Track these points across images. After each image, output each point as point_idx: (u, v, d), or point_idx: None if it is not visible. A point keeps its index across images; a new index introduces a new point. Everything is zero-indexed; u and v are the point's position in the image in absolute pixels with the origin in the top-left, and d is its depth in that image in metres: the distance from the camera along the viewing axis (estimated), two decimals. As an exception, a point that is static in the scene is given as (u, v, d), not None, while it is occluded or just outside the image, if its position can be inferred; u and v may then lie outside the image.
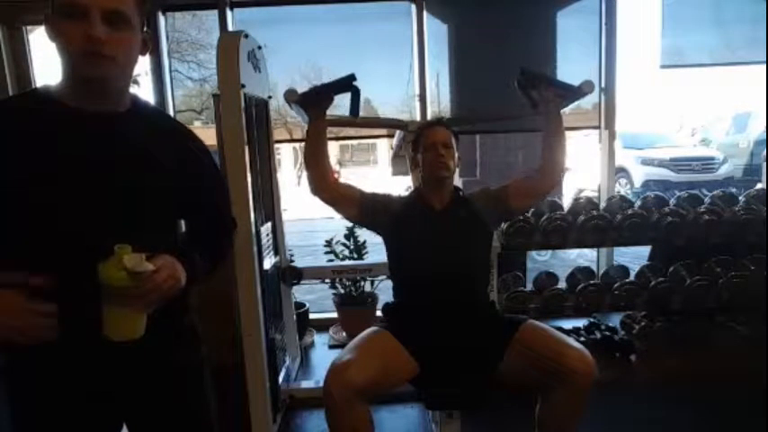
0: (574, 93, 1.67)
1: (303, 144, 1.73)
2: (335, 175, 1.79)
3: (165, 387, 1.05)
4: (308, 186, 1.75)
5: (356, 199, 1.75)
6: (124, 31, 0.89)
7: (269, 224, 2.38)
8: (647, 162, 8.13)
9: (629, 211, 2.56)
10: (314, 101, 1.66)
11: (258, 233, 2.10)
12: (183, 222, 1.15)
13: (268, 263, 2.25)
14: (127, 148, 0.95)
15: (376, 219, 1.76)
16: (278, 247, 2.56)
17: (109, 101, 0.94)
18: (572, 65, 3.31)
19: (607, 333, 2.61)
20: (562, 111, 1.75)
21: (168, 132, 1.05)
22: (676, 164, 7.99)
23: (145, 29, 0.97)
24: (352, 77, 1.62)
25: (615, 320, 2.81)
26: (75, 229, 0.89)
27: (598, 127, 3.31)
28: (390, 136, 3.59)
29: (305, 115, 1.75)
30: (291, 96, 1.70)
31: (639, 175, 8.08)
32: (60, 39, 0.87)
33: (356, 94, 1.66)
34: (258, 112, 2.30)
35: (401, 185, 3.37)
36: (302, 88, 1.70)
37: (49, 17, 0.88)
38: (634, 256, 3.68)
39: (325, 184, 1.72)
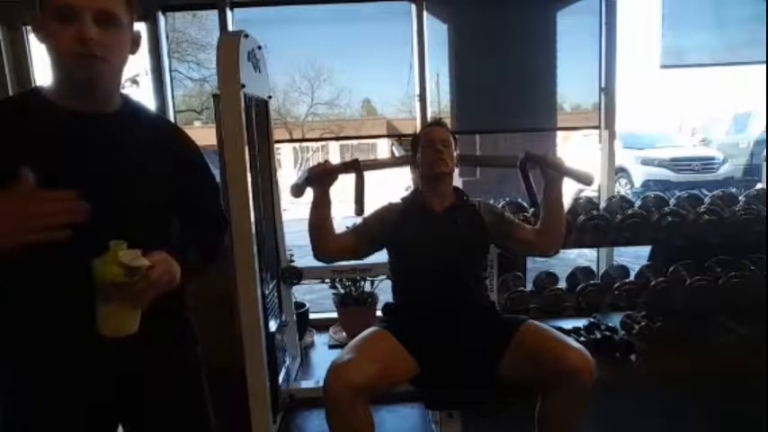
0: (574, 176, 1.68)
1: (308, 214, 1.72)
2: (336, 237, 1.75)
3: (161, 386, 1.05)
4: (311, 250, 1.74)
5: (355, 243, 1.76)
6: (114, 31, 0.90)
7: (273, 283, 2.39)
8: (647, 162, 8.15)
9: (629, 211, 2.56)
10: (318, 182, 1.68)
11: (264, 295, 2.10)
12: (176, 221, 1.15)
13: (273, 324, 2.25)
14: (118, 147, 0.95)
15: (378, 243, 1.78)
16: (278, 247, 2.56)
17: (99, 101, 0.95)
18: (572, 65, 3.32)
19: (607, 333, 2.61)
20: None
21: (160, 132, 1.06)
22: (676, 164, 8.00)
23: (134, 28, 0.97)
24: (356, 162, 1.69)
25: (615, 320, 2.81)
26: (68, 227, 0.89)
27: (598, 127, 3.31)
28: (390, 136, 3.59)
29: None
30: (297, 192, 1.74)
31: (639, 175, 8.09)
32: (51, 40, 0.88)
33: (360, 179, 1.71)
34: (258, 112, 2.30)
35: (401, 184, 3.37)
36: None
37: (38, 18, 0.88)
38: (634, 256, 3.68)
39: (328, 251, 1.73)
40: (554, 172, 1.67)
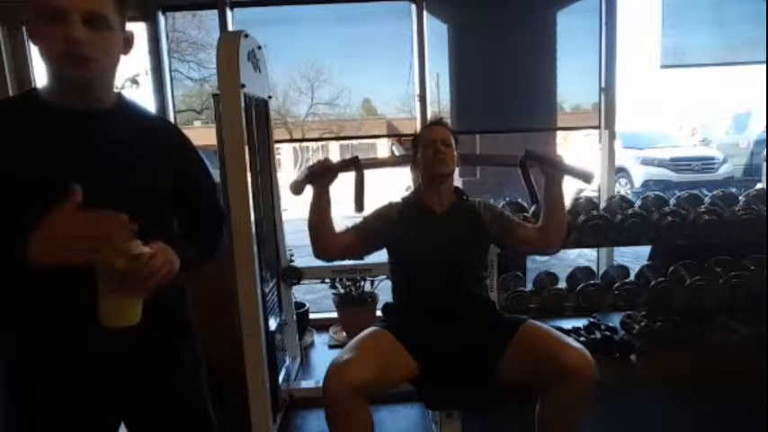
0: (574, 173, 1.67)
1: (308, 210, 1.71)
2: (336, 236, 1.74)
3: (161, 384, 1.05)
4: (311, 249, 1.73)
5: (355, 242, 1.76)
6: (104, 31, 0.90)
7: (273, 282, 2.39)
8: (647, 162, 8.15)
9: (629, 211, 2.56)
10: (318, 179, 1.67)
11: (264, 293, 2.09)
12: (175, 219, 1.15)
13: (273, 323, 2.24)
14: (113, 143, 0.96)
15: (378, 242, 1.78)
16: (278, 247, 2.56)
17: (92, 99, 0.96)
18: (572, 65, 3.32)
19: (607, 333, 2.61)
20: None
21: (155, 129, 1.07)
22: (676, 164, 8.01)
23: (127, 29, 0.98)
24: (356, 159, 1.69)
25: (615, 320, 2.81)
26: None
27: (598, 127, 3.31)
28: (390, 136, 3.59)
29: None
30: (297, 189, 1.72)
31: (639, 175, 8.10)
32: (41, 42, 0.89)
33: (360, 177, 1.71)
34: (258, 112, 2.30)
35: (400, 184, 3.37)
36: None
37: (30, 21, 0.90)
38: (634, 256, 3.68)
39: (328, 250, 1.72)
40: (554, 170, 1.66)
